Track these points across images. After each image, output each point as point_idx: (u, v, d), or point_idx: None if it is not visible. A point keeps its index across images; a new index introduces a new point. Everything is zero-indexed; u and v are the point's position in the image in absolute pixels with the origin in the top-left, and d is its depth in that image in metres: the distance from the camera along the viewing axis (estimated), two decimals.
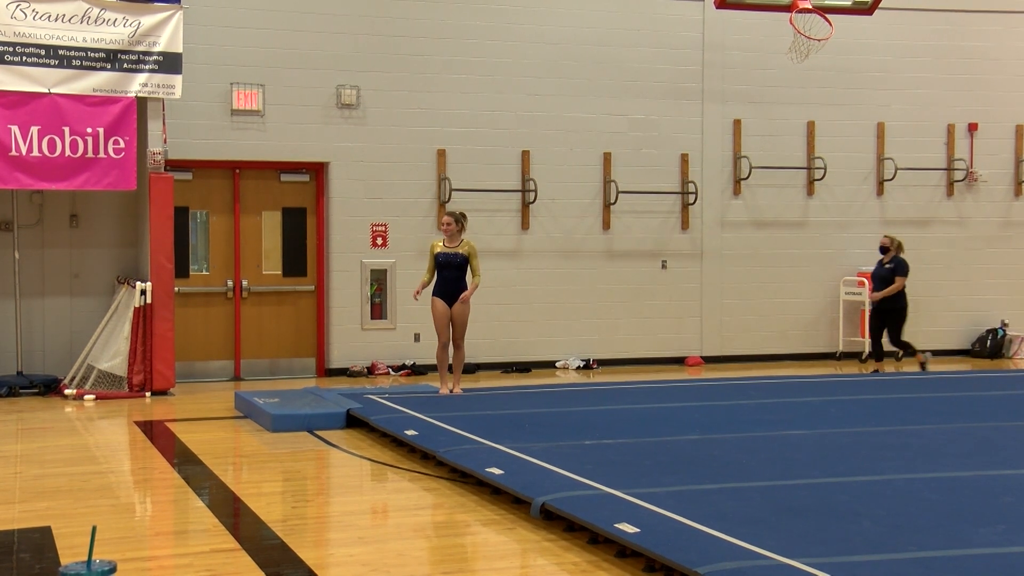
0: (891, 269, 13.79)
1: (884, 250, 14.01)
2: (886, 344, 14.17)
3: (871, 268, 15.67)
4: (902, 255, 13.96)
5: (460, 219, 11.32)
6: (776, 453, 8.19)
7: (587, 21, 14.85)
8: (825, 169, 15.63)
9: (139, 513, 7.53)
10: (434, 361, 11.89)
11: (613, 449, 8.25)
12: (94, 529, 5.02)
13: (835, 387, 12.63)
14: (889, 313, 13.85)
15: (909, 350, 14.11)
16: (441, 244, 11.27)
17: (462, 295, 11.25)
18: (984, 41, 16.31)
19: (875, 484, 7.04)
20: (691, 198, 15.19)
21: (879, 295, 13.79)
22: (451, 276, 11.21)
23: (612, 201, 14.86)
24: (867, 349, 14.83)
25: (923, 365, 14.01)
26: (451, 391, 11.34)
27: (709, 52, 15.30)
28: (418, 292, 11.42)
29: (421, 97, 14.24)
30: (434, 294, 11.31)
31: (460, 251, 11.23)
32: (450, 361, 11.45)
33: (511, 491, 7.07)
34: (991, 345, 16.14)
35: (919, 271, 15.97)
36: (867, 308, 14.82)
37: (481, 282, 11.54)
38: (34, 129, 11.97)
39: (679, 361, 15.31)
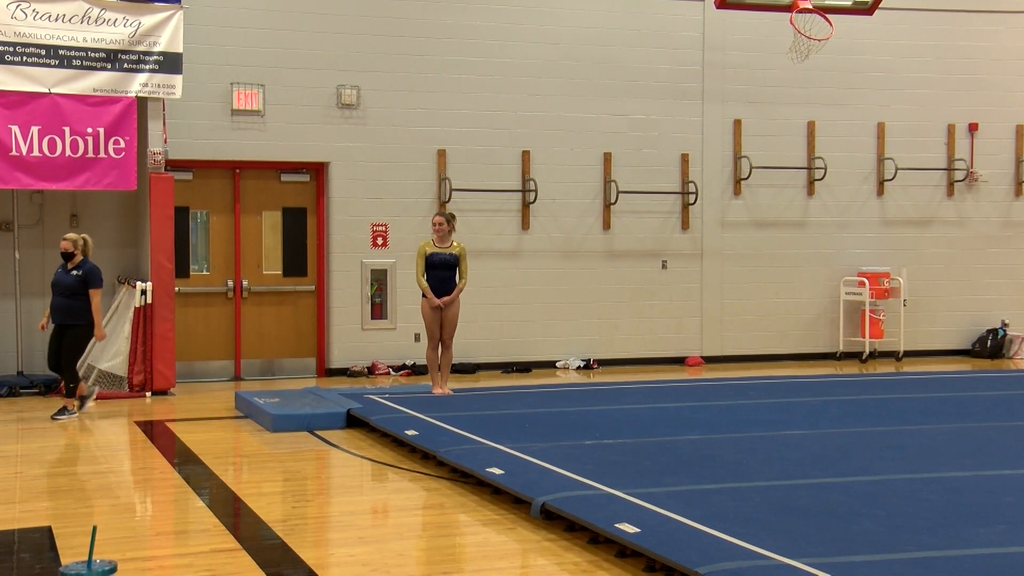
0: (79, 278, 10.77)
1: (68, 256, 10.87)
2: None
3: (871, 268, 15.71)
4: (89, 258, 11.03)
5: (450, 219, 11.30)
6: (776, 453, 8.20)
7: (587, 21, 14.85)
8: (825, 169, 15.62)
9: (139, 513, 7.53)
10: None
11: (613, 449, 8.25)
12: (94, 529, 5.02)
13: (835, 387, 12.63)
14: (73, 330, 10.83)
15: (76, 380, 10.95)
16: (431, 244, 11.22)
17: (448, 296, 11.10)
18: (984, 41, 16.30)
19: (875, 484, 7.04)
20: (691, 198, 15.19)
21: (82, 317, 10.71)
22: (442, 276, 11.17)
23: (612, 201, 14.86)
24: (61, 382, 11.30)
25: (84, 400, 11.10)
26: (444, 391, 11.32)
27: (709, 52, 15.30)
28: (433, 302, 11.14)
29: (421, 97, 14.24)
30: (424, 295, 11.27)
31: (452, 251, 11.22)
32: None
33: (511, 491, 7.07)
34: (991, 345, 16.13)
35: (919, 271, 16.02)
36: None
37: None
38: (34, 129, 11.98)
39: (679, 361, 15.31)
